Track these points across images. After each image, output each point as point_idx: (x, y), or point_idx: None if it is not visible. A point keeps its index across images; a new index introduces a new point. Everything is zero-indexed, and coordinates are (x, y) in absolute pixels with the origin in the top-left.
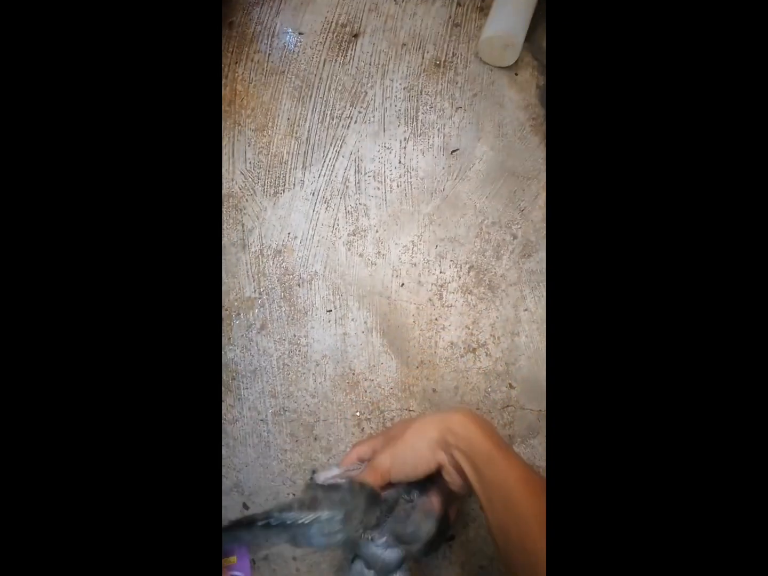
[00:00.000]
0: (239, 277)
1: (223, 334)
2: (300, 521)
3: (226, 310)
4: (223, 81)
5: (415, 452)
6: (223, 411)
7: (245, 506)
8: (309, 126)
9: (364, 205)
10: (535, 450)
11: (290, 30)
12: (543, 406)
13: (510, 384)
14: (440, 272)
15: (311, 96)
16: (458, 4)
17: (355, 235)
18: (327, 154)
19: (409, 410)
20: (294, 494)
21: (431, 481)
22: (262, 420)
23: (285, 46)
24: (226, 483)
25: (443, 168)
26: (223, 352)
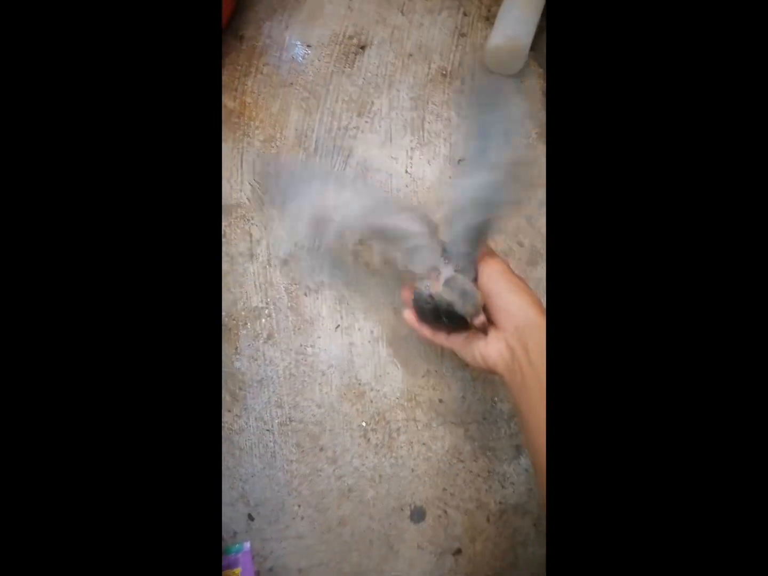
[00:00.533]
0: (246, 287)
1: (230, 344)
2: None
3: (234, 320)
4: (233, 93)
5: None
6: (230, 421)
7: (251, 517)
8: (316, 136)
9: None
10: None
11: (299, 43)
12: None
13: None
14: None
15: (319, 107)
16: (464, 14)
17: (361, 244)
18: (334, 165)
19: (416, 420)
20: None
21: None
22: (268, 430)
23: (293, 58)
24: (232, 494)
25: (450, 177)
26: (230, 362)
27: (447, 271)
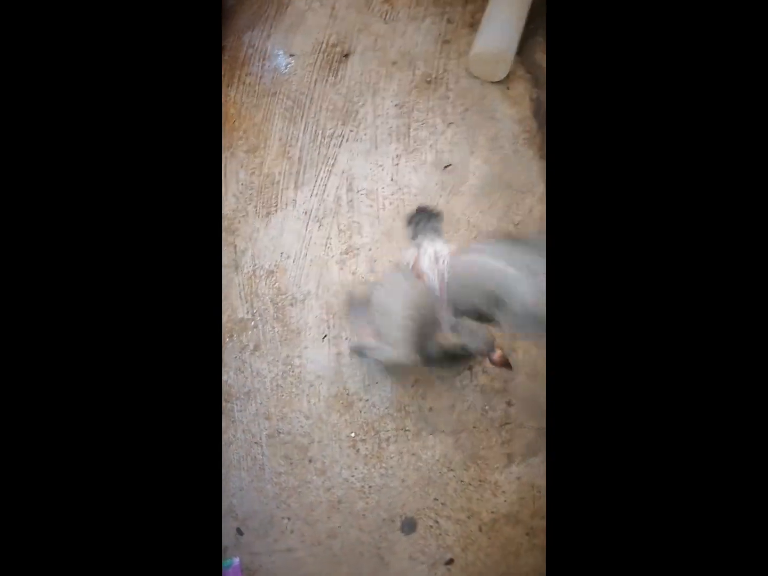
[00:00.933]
0: (232, 298)
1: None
2: None
3: None
4: None
5: None
6: None
7: (239, 531)
8: (301, 146)
9: (357, 223)
10: (536, 469)
11: (281, 52)
12: (542, 423)
13: (508, 401)
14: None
15: (303, 116)
16: (448, 21)
17: (347, 253)
18: (319, 173)
19: (405, 429)
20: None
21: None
22: (256, 443)
23: (276, 68)
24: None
25: (436, 184)
26: None
27: (449, 318)
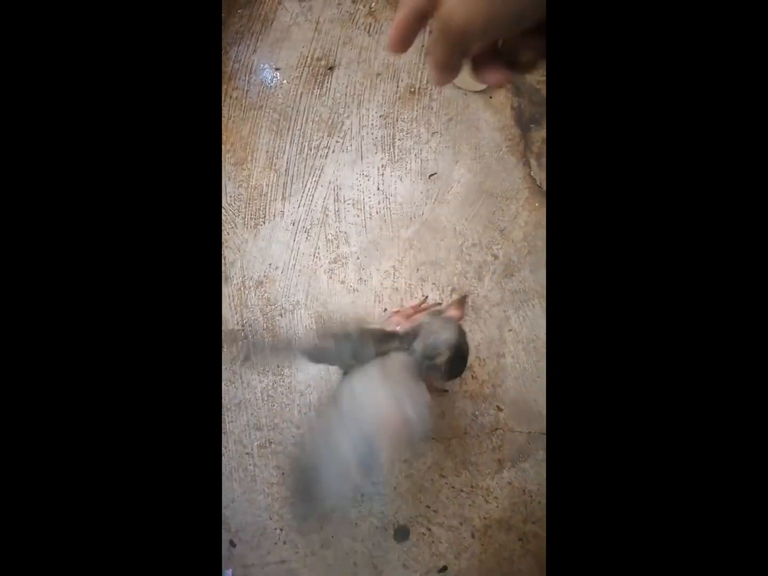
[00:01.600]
0: (221, 309)
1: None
2: None
3: None
4: None
5: None
6: None
7: (232, 543)
8: (288, 158)
9: (344, 232)
10: (527, 474)
11: (267, 66)
12: (533, 427)
13: (498, 406)
14: (422, 296)
15: (289, 128)
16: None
17: (336, 262)
18: (306, 185)
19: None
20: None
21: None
22: (247, 453)
23: (262, 81)
24: None
25: (421, 192)
26: None
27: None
